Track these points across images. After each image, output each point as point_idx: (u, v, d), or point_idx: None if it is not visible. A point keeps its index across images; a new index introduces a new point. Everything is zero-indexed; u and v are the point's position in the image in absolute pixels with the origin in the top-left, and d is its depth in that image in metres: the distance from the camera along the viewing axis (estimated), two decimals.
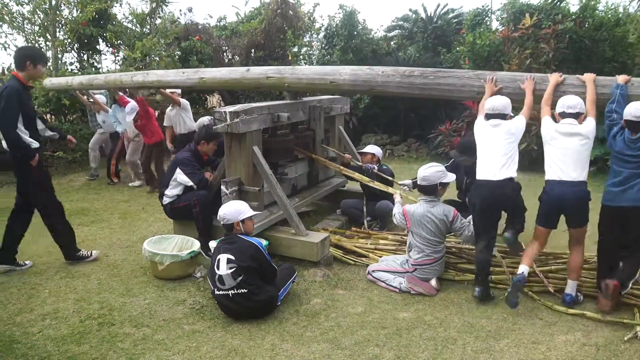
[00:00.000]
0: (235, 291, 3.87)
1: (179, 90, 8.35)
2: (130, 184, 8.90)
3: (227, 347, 3.58)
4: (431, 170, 4.50)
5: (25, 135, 4.60)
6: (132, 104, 8.09)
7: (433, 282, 4.44)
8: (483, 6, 12.13)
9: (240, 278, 3.88)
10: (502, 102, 4.31)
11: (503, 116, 4.30)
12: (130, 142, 8.85)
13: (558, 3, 9.15)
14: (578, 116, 4.09)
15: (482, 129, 4.36)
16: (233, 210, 4.16)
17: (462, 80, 4.70)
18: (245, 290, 3.87)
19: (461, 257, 4.86)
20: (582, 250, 4.16)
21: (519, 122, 4.35)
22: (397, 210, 4.67)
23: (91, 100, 8.99)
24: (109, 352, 3.53)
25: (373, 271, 4.66)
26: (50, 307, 4.20)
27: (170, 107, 8.58)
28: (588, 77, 4.27)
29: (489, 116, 4.32)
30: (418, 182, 4.56)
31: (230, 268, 3.89)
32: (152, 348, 3.57)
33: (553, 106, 4.30)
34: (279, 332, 3.78)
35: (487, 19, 12.08)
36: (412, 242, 4.51)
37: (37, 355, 3.49)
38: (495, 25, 11.69)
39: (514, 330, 3.77)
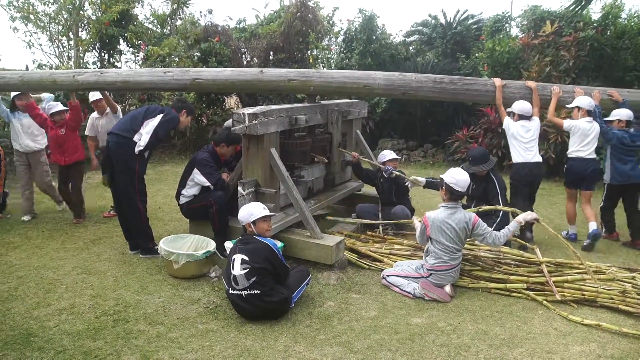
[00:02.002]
0: (249, 292, 3.89)
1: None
2: (23, 218, 6.73)
3: (240, 347, 3.60)
4: (466, 177, 4.50)
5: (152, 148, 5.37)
6: (54, 103, 6.53)
7: (447, 288, 4.42)
8: (503, 12, 12.04)
9: (253, 279, 3.90)
10: (529, 106, 5.63)
11: (530, 117, 5.67)
12: (38, 163, 6.77)
13: (580, 10, 9.06)
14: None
15: (517, 126, 5.67)
16: (245, 212, 4.20)
17: (487, 87, 5.62)
18: (258, 292, 3.89)
19: (476, 265, 4.83)
20: (590, 206, 5.88)
21: (538, 122, 5.75)
22: (419, 232, 4.62)
23: None
24: (123, 348, 3.57)
25: (387, 276, 4.66)
26: (67, 302, 4.26)
27: (96, 115, 6.75)
28: (579, 90, 5.73)
29: (521, 117, 5.64)
30: (454, 188, 4.42)
31: (244, 269, 3.92)
32: (166, 346, 3.60)
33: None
34: (292, 334, 3.79)
35: (506, 25, 12.00)
36: (430, 248, 4.50)
37: (53, 349, 3.54)
38: (515, 32, 11.64)
39: (528, 339, 3.75)
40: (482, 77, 9.92)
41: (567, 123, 5.76)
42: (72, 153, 6.42)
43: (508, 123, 5.71)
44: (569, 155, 5.85)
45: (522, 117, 5.63)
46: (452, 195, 4.46)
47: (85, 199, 6.91)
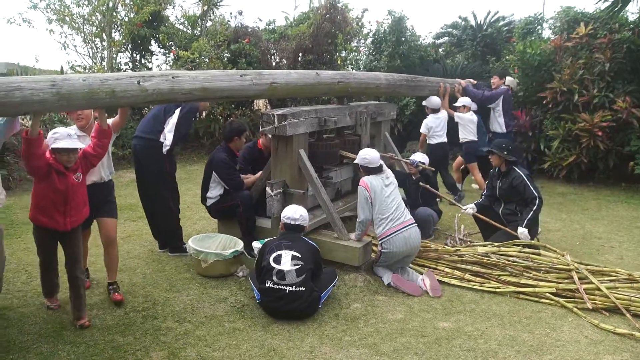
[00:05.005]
0: (294, 288, 3.96)
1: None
2: None
3: (267, 346, 3.62)
4: (374, 152, 4.97)
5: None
6: (62, 131, 3.70)
7: (426, 281, 4.58)
8: (535, 14, 11.85)
9: (303, 276, 4.00)
10: (438, 101, 7.73)
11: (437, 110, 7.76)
12: None
13: (617, 13, 8.85)
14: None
15: (437, 119, 7.68)
16: (291, 212, 4.37)
17: (432, 82, 7.71)
18: (303, 289, 3.97)
19: (505, 270, 4.77)
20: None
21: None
22: (363, 200, 4.76)
23: None
24: (151, 344, 3.63)
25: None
26: (98, 298, 4.35)
27: (76, 131, 4.06)
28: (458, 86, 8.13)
29: (434, 111, 7.72)
30: (369, 166, 4.84)
31: (295, 265, 4.01)
32: (193, 343, 3.65)
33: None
34: (318, 335, 3.80)
35: (538, 27, 11.80)
36: (378, 217, 4.71)
37: (85, 343, 3.62)
38: (547, 34, 11.43)
39: (557, 347, 3.69)
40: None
41: (457, 118, 7.82)
42: (81, 209, 3.89)
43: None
44: (467, 140, 7.77)
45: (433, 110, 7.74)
46: (371, 172, 4.84)
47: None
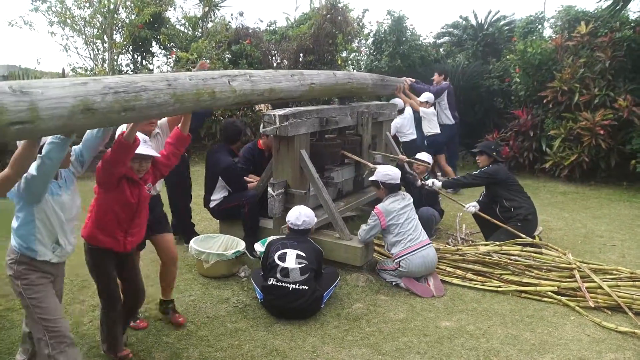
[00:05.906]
0: (297, 286, 3.99)
1: None
2: None
3: (269, 346, 3.63)
4: (396, 169, 4.99)
5: None
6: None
7: (431, 281, 4.60)
8: (536, 13, 11.83)
9: (306, 275, 4.04)
10: (399, 102, 7.99)
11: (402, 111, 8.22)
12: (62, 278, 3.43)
13: (617, 13, 8.84)
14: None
15: (403, 119, 8.25)
16: (295, 215, 4.44)
17: (395, 82, 7.64)
18: (306, 288, 3.99)
19: (507, 269, 4.77)
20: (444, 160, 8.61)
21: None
22: (369, 227, 4.71)
23: None
24: (154, 345, 3.64)
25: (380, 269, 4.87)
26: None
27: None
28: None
29: (399, 112, 7.94)
30: (392, 183, 4.82)
31: (300, 263, 4.05)
32: (196, 344, 3.66)
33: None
34: (320, 335, 3.81)
35: (539, 26, 11.79)
36: (391, 239, 4.71)
37: (87, 344, 3.64)
38: (548, 33, 11.42)
39: (559, 345, 3.69)
40: (514, 80, 9.94)
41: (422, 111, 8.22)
42: (143, 227, 3.53)
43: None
44: (431, 133, 8.26)
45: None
46: (393, 189, 4.82)
47: None
